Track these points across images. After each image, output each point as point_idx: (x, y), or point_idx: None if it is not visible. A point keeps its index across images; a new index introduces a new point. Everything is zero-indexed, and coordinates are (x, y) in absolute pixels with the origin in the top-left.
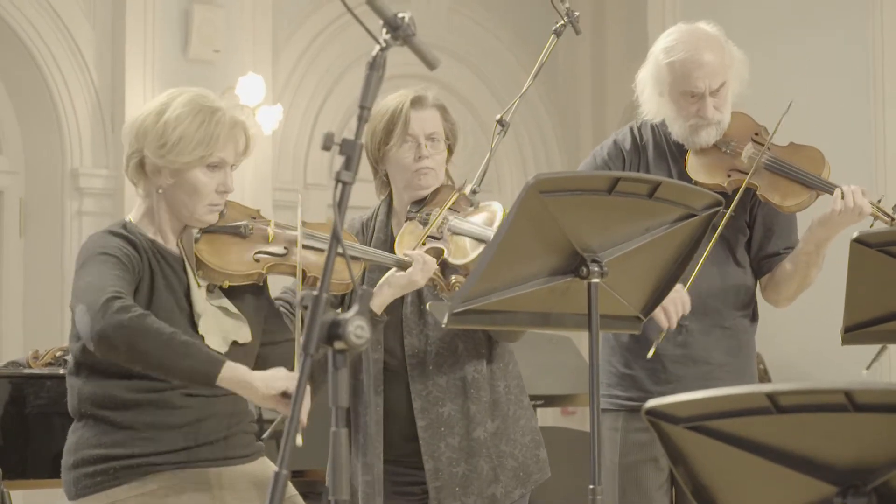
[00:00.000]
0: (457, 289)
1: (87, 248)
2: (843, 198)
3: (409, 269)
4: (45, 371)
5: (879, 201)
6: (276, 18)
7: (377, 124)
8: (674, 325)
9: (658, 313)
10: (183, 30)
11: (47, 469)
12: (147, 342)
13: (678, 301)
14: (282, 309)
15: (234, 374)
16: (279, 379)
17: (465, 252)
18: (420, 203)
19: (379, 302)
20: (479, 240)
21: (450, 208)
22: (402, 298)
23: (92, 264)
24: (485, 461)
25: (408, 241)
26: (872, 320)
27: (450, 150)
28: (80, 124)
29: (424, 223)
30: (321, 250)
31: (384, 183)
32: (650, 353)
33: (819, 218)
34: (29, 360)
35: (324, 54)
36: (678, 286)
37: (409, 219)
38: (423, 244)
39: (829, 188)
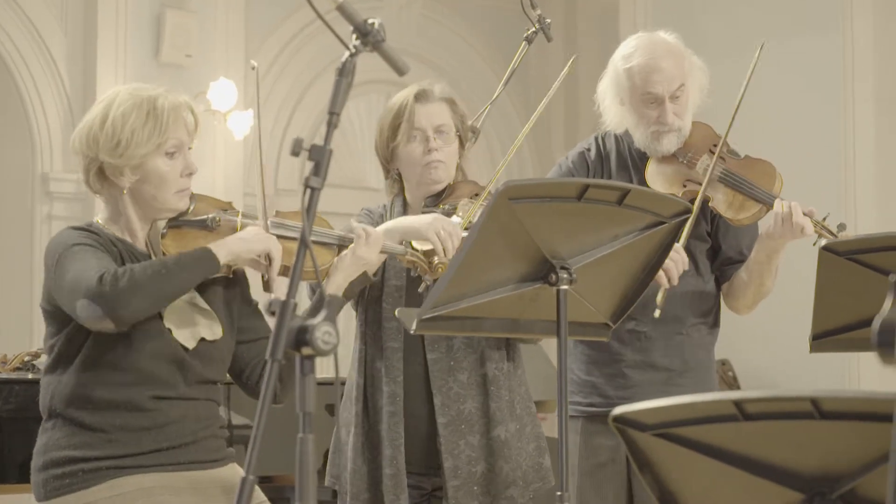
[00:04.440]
0: (440, 270)
1: (56, 246)
2: (782, 210)
3: (351, 246)
4: (14, 376)
5: (825, 219)
6: (248, 24)
7: (384, 122)
8: (675, 282)
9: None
10: (155, 34)
11: (16, 474)
12: (154, 287)
13: (678, 260)
14: None
15: (224, 251)
16: (254, 241)
17: None
18: (436, 198)
19: (332, 289)
20: None
21: (474, 199)
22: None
23: (67, 260)
24: (504, 461)
25: None
26: (840, 328)
27: (461, 143)
28: (50, 129)
29: (448, 214)
30: (291, 238)
31: (395, 181)
32: (656, 314)
33: (764, 230)
34: None
35: (296, 60)
36: (676, 244)
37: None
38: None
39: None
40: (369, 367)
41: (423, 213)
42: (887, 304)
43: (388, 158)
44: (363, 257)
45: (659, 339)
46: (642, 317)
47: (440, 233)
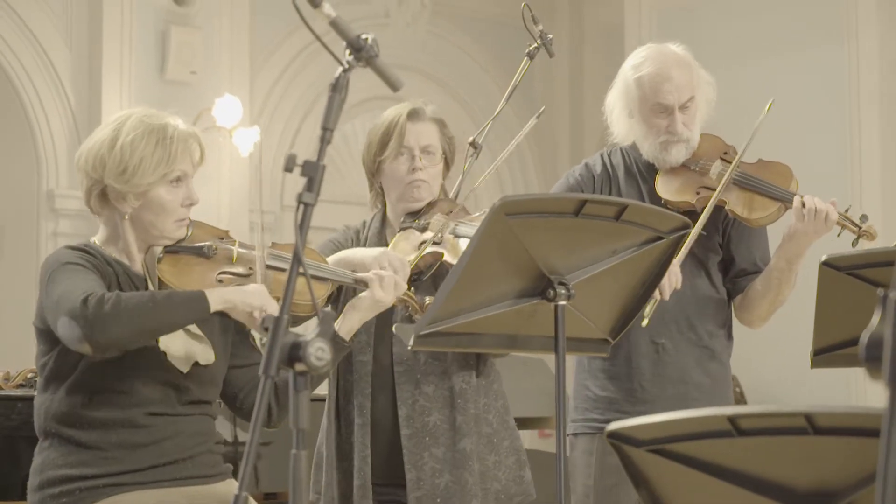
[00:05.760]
0: None
1: (50, 264)
2: (804, 205)
3: (368, 290)
4: (17, 392)
5: (847, 211)
6: (253, 41)
7: (374, 136)
8: (666, 297)
9: None
10: (160, 51)
11: (18, 491)
12: (137, 319)
13: (671, 274)
14: None
15: (218, 297)
16: (253, 296)
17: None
18: (414, 215)
19: (347, 328)
20: None
21: (448, 215)
22: (393, 306)
23: (58, 277)
24: (469, 474)
25: (403, 247)
26: (841, 343)
27: (447, 165)
28: (55, 145)
29: (422, 230)
30: (285, 270)
31: (378, 195)
32: (644, 323)
33: (786, 231)
34: (0, 382)
35: (301, 77)
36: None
37: (402, 229)
38: (420, 250)
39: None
40: (342, 381)
41: (401, 228)
42: (875, 318)
43: (374, 172)
44: (381, 300)
45: (676, 351)
46: (661, 328)
47: (385, 267)
